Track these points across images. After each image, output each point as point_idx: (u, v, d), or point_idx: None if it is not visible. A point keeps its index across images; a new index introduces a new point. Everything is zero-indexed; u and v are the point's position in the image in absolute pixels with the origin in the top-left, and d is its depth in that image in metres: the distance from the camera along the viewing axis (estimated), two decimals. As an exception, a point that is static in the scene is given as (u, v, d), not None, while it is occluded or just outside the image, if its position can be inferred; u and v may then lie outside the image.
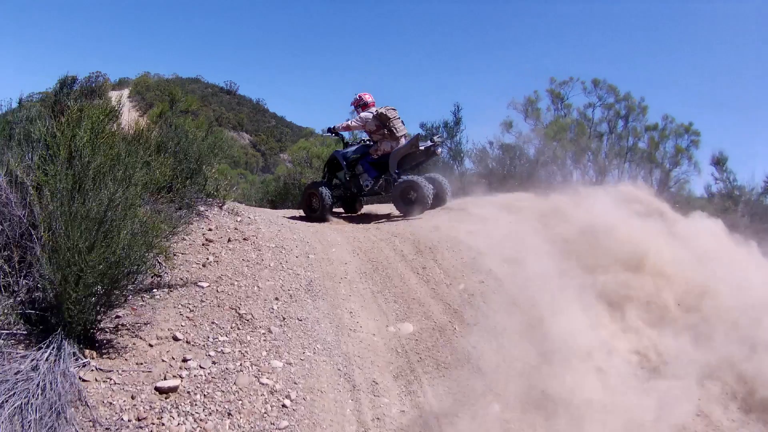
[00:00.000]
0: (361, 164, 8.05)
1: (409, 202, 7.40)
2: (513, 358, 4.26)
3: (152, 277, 4.64)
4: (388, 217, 8.24)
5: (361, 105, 8.10)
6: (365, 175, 8.00)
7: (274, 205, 16.05)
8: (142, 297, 4.38)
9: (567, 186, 9.21)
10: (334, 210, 8.46)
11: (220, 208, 6.56)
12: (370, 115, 7.79)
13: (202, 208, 7.40)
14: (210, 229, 6.04)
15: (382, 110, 7.66)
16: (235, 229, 6.03)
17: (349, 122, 7.97)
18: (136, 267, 3.70)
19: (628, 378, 4.26)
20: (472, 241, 6.31)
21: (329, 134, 8.60)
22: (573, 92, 13.04)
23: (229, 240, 5.69)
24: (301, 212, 8.45)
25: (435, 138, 7.80)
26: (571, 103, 13.20)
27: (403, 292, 5.21)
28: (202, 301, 4.44)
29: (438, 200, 7.70)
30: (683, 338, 4.79)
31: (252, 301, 4.55)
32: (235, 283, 4.79)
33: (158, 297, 4.40)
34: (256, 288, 4.77)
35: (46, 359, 3.68)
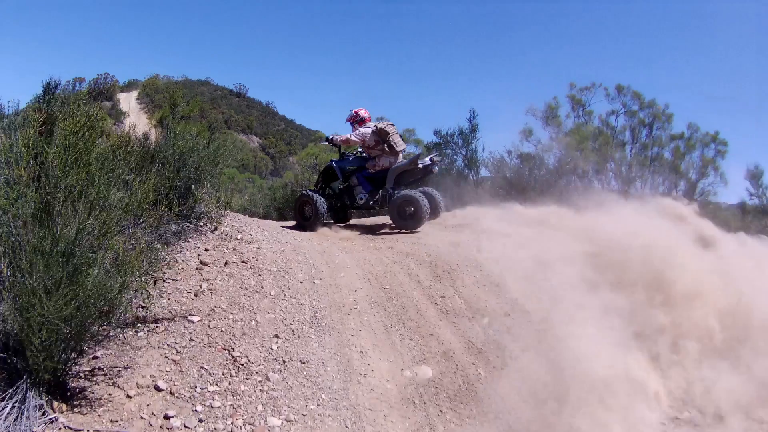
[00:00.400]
0: (356, 177, 8.01)
1: (406, 217, 7.38)
2: (549, 412, 3.66)
3: (137, 309, 4.10)
4: (390, 229, 7.70)
5: (357, 120, 8.04)
6: (360, 189, 7.97)
7: (281, 213, 15.54)
8: (123, 333, 3.84)
9: (598, 198, 8.57)
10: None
11: (213, 232, 6.03)
12: (369, 131, 7.79)
13: (201, 224, 6.89)
14: (206, 249, 5.52)
15: (382, 126, 7.68)
16: (234, 249, 5.50)
17: (349, 136, 7.92)
18: (109, 308, 3.14)
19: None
20: (495, 265, 5.73)
21: (326, 143, 8.62)
22: (595, 98, 12.42)
23: (226, 263, 5.15)
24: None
25: (434, 156, 7.80)
26: (592, 110, 12.58)
27: (420, 326, 4.64)
28: (191, 339, 3.88)
29: (432, 214, 7.64)
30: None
31: (248, 339, 3.99)
32: (230, 316, 4.23)
33: (141, 335, 3.85)
34: (253, 322, 4.21)
35: (6, 416, 3.15)
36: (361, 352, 4.20)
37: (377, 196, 7.85)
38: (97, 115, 3.82)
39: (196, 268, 4.98)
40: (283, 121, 59.06)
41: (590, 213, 7.23)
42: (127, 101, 46.67)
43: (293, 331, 4.24)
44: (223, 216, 6.18)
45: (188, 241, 5.91)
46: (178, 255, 5.23)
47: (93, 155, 3.42)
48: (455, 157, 11.58)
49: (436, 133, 11.93)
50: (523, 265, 5.62)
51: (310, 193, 8.07)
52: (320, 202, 7.82)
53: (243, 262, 5.23)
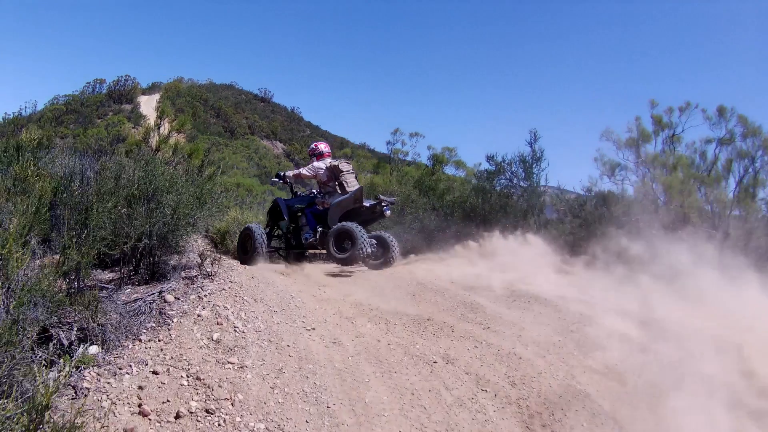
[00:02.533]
0: (304, 214, 7.63)
1: (343, 250, 6.97)
2: None
3: None
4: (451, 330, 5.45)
5: (316, 154, 7.75)
6: (307, 227, 7.59)
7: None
8: None
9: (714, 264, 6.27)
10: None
11: (183, 319, 3.90)
12: (323, 166, 7.49)
13: (169, 299, 4.82)
14: (155, 373, 3.35)
15: (336, 163, 7.44)
16: (198, 378, 3.32)
17: (301, 170, 7.67)
18: None
19: None
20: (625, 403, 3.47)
21: (277, 181, 8.07)
22: (690, 122, 9.94)
23: (177, 416, 2.97)
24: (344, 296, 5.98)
25: (381, 195, 7.48)
26: (681, 136, 10.12)
27: None
28: None
29: (383, 260, 7.29)
30: None
31: None
32: None
33: None
34: None
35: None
36: None
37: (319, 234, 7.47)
38: None
39: None
40: (308, 127, 57.45)
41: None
42: (148, 104, 45.43)
43: None
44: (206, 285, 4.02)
45: (133, 345, 3.77)
46: (96, 396, 3.07)
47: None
48: (513, 190, 9.32)
49: (489, 159, 9.67)
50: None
51: (251, 227, 7.49)
52: (259, 233, 7.34)
53: (207, 412, 3.04)
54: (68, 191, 5.78)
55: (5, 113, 40.82)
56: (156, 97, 48.66)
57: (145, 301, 4.75)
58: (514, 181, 9.32)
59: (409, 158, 15.70)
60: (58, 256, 4.46)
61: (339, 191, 7.38)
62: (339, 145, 56.70)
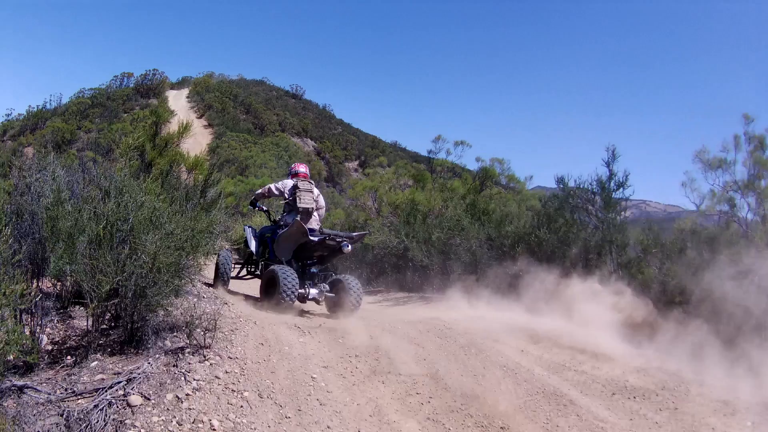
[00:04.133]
0: (269, 242, 7.02)
1: (269, 294, 6.26)
2: None
3: None
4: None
5: (291, 173, 7.14)
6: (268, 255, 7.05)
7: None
8: None
9: None
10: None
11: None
12: (291, 183, 6.93)
13: (134, 402, 3.35)
14: None
15: (302, 181, 6.86)
16: None
17: (270, 186, 7.07)
18: None
19: None
20: None
21: (252, 209, 7.45)
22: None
23: None
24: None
25: (330, 231, 6.89)
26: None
27: None
28: None
29: (339, 306, 6.49)
30: None
31: None
32: None
33: None
34: None
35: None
36: None
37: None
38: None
39: None
40: (340, 125, 56.11)
41: None
42: (177, 99, 44.61)
43: None
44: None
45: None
46: None
47: None
48: (586, 218, 7.63)
49: (559, 181, 7.94)
50: None
51: (220, 255, 6.86)
52: (227, 258, 6.93)
53: None
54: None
55: (29, 106, 40.48)
56: (185, 92, 47.88)
57: (98, 408, 3.27)
58: (589, 209, 7.61)
59: (452, 158, 13.97)
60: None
61: (292, 207, 6.78)
62: (371, 144, 55.37)
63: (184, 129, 5.96)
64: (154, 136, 6.01)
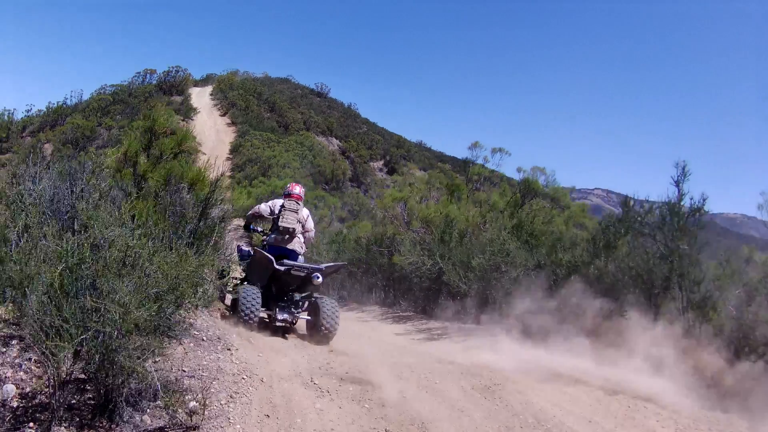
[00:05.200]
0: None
1: (233, 311, 5.99)
2: None
3: None
4: None
5: (286, 194, 6.67)
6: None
7: (354, 278, 10.87)
8: None
9: None
10: None
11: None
12: (279, 202, 6.56)
13: None
14: None
15: (288, 201, 6.47)
16: None
17: (260, 206, 6.73)
18: None
19: None
20: None
21: (247, 232, 7.28)
22: None
23: None
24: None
25: (305, 267, 6.17)
26: None
27: None
28: None
29: (315, 330, 6.07)
30: None
31: None
32: None
33: None
34: None
35: None
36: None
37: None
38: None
39: None
40: (365, 124, 55.27)
41: None
42: (200, 97, 44.13)
43: None
44: None
45: None
46: None
47: None
48: (652, 246, 6.48)
49: (624, 204, 6.73)
50: None
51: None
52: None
53: None
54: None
55: (49, 102, 40.29)
56: (208, 89, 47.39)
57: None
58: (657, 238, 6.43)
59: (489, 166, 12.85)
60: None
61: (273, 226, 6.55)
62: (396, 143, 54.39)
63: (182, 138, 4.99)
64: (149, 144, 5.06)
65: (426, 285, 8.28)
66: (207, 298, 3.41)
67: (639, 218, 6.50)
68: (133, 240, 3.29)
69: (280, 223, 6.31)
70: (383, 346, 6.39)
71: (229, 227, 6.55)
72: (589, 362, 5.80)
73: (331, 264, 6.69)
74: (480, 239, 7.96)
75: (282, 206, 6.41)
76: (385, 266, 9.96)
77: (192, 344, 4.65)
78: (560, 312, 6.43)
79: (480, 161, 11.91)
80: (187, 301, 3.18)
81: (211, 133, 40.50)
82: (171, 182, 5.00)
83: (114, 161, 5.09)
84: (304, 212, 6.55)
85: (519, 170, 10.95)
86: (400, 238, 9.33)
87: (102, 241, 3.24)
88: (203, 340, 4.90)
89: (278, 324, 6.13)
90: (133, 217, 4.54)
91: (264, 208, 6.58)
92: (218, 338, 5.10)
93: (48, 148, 30.51)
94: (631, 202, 6.75)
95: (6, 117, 36.47)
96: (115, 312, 3.11)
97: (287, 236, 6.33)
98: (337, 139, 49.44)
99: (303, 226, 6.48)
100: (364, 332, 7.19)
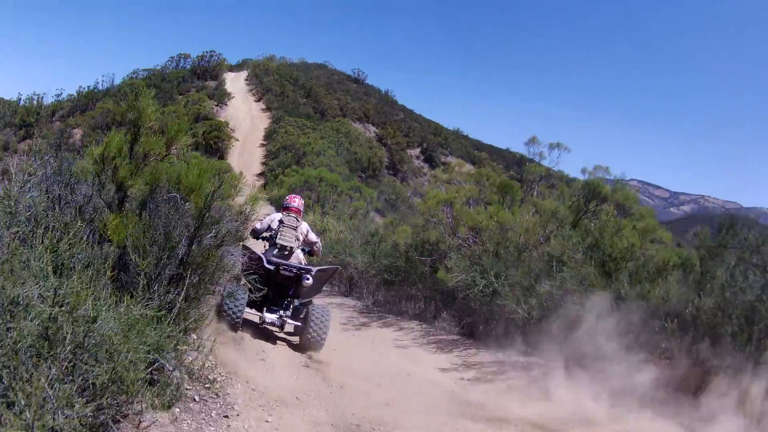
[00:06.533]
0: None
1: (220, 314, 5.45)
2: None
3: None
4: None
5: (283, 207, 6.49)
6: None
7: (390, 287, 9.65)
8: None
9: None
10: None
11: None
12: (276, 217, 6.41)
13: None
14: None
15: (286, 215, 6.33)
16: None
17: (255, 225, 6.27)
18: None
19: None
20: None
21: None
22: None
23: None
24: None
25: (292, 266, 5.93)
26: None
27: None
28: None
29: (302, 337, 5.90)
30: None
31: None
32: None
33: None
34: None
35: None
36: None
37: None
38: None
39: None
40: (402, 111, 53.92)
41: None
42: (235, 82, 43.39)
43: None
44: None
45: None
46: None
47: None
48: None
49: (726, 228, 5.23)
50: None
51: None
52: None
53: None
54: None
55: (79, 86, 39.99)
56: (243, 74, 46.64)
57: None
58: (755, 262, 4.99)
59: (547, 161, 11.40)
60: None
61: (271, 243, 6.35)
62: (433, 131, 52.92)
63: (177, 131, 3.85)
64: (133, 143, 3.93)
65: (476, 306, 7.00)
66: (172, 393, 2.22)
67: (752, 246, 5.06)
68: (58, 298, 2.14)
69: (278, 241, 6.17)
70: (427, 392, 5.17)
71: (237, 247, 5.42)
72: None
73: (324, 267, 6.43)
74: (542, 256, 6.64)
75: (280, 221, 6.25)
76: (427, 276, 8.74)
77: (179, 408, 3.52)
78: (653, 359, 5.08)
79: (535, 158, 10.50)
80: (135, 401, 2.00)
81: (246, 119, 39.82)
82: (157, 191, 3.87)
83: (91, 163, 3.98)
84: (304, 227, 6.40)
85: (583, 171, 9.53)
86: (444, 248, 8.05)
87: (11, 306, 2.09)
88: (195, 400, 3.77)
89: (267, 326, 5.98)
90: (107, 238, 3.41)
91: (261, 226, 6.33)
92: (216, 395, 3.97)
93: (77, 133, 30.19)
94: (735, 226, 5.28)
95: (35, 101, 36.31)
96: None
97: (286, 252, 6.14)
98: (373, 125, 48.35)
99: (304, 241, 6.34)
100: (403, 367, 6.00)
